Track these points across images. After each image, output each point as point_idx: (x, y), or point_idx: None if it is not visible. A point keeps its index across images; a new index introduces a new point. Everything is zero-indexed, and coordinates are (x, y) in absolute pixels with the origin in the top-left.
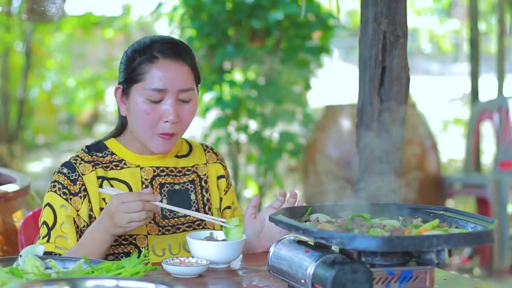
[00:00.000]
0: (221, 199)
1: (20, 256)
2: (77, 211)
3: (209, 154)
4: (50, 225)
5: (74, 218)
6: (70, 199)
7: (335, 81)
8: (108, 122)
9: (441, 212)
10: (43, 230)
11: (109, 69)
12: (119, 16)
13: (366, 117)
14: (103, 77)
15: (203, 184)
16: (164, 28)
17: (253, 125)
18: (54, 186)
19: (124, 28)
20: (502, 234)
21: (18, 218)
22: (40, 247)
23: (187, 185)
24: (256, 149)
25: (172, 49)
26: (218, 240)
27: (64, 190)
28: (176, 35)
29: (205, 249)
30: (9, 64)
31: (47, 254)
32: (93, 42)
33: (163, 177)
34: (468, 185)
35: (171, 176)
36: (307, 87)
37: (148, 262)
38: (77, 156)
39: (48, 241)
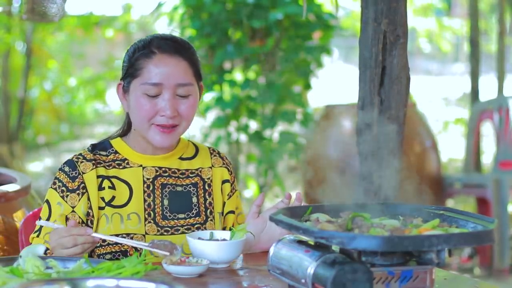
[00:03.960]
0: (224, 203)
1: (20, 256)
2: (73, 207)
3: (215, 158)
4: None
5: (67, 216)
6: (67, 196)
7: (335, 81)
8: (107, 122)
9: (441, 211)
10: (37, 226)
11: (109, 68)
12: (120, 16)
13: (366, 117)
14: (104, 77)
15: (207, 187)
16: (164, 28)
17: (253, 125)
18: (55, 183)
19: (125, 28)
20: (502, 234)
21: (19, 218)
22: (40, 247)
23: (190, 187)
24: (256, 149)
25: (170, 45)
26: (218, 240)
27: (63, 188)
28: (176, 34)
29: (206, 249)
30: (9, 64)
31: None
32: (93, 42)
33: (165, 177)
34: (468, 185)
35: (173, 177)
36: (307, 87)
37: (148, 262)
38: (80, 154)
39: (38, 236)
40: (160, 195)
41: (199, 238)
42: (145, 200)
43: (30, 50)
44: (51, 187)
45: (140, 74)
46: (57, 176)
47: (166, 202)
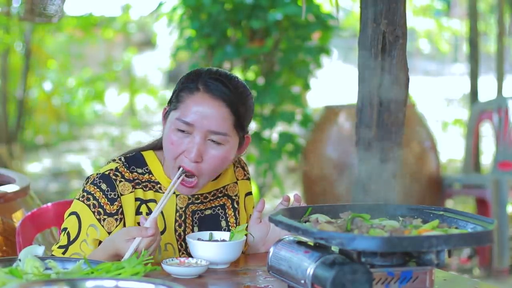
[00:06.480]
0: (250, 216)
1: (19, 260)
2: (109, 233)
3: (238, 170)
4: (71, 238)
5: (100, 240)
6: (104, 219)
7: (335, 82)
8: (106, 123)
9: (441, 212)
10: (63, 239)
11: (108, 69)
12: (119, 17)
13: (366, 117)
14: (103, 78)
15: (235, 205)
16: (164, 29)
17: (252, 125)
18: (88, 199)
19: (124, 28)
20: (502, 235)
21: (18, 218)
22: (39, 248)
23: (218, 209)
24: (255, 149)
25: (216, 86)
26: (218, 241)
27: (99, 210)
28: (176, 34)
29: (205, 250)
30: (8, 64)
31: None
32: (92, 42)
33: (196, 204)
34: (468, 186)
35: (204, 203)
36: (307, 87)
37: (148, 263)
38: (117, 170)
39: (63, 253)
40: (191, 223)
41: (198, 239)
42: (175, 230)
43: (29, 51)
44: (83, 202)
45: (179, 107)
46: (91, 192)
47: (196, 229)
